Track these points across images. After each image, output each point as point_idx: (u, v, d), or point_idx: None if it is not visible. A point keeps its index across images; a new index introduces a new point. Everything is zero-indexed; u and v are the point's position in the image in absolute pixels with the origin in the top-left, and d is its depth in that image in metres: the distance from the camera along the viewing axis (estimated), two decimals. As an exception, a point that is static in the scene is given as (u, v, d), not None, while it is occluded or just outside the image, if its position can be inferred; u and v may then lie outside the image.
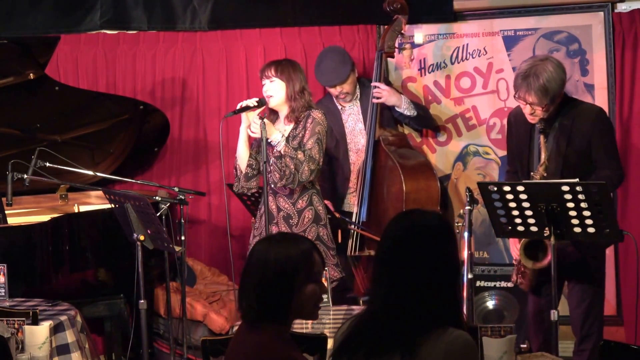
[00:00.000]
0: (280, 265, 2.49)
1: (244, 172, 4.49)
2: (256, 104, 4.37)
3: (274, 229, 4.47)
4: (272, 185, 4.46)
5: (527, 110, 4.19)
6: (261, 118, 4.34)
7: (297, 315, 2.56)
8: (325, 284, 4.05)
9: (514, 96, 4.24)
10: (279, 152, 4.36)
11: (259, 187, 4.57)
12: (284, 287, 2.48)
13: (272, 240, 2.59)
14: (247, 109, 4.38)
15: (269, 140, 4.33)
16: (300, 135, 4.40)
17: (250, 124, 4.41)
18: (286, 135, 4.40)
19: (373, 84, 5.16)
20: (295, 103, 4.41)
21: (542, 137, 4.18)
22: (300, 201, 4.46)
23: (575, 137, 4.21)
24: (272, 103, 4.42)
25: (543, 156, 4.16)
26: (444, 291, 2.30)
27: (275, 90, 4.40)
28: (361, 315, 2.41)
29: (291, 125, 4.45)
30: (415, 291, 2.28)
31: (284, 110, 4.46)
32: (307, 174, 4.38)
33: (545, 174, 4.14)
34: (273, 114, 4.50)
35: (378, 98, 5.11)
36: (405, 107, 5.18)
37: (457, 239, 2.46)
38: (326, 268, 4.14)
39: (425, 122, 5.39)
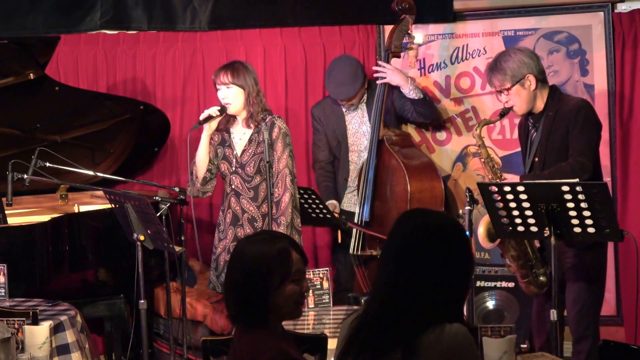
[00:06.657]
0: (254, 264, 2.44)
1: (201, 177, 4.52)
2: (218, 112, 4.44)
3: (240, 232, 4.50)
4: (233, 186, 4.51)
5: (502, 98, 4.32)
6: (263, 120, 4.41)
7: (278, 316, 2.50)
8: (327, 285, 4.08)
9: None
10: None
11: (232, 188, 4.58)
12: (259, 287, 2.43)
13: (249, 239, 2.53)
14: (210, 118, 4.44)
15: None
16: (266, 142, 4.37)
17: (212, 132, 4.48)
18: (247, 139, 4.45)
19: (378, 62, 5.17)
20: (253, 108, 4.46)
21: (535, 134, 4.26)
22: (264, 205, 4.48)
23: (557, 126, 4.27)
24: (232, 110, 4.48)
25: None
26: (452, 291, 2.28)
27: (233, 96, 4.45)
28: (362, 314, 2.36)
29: (251, 130, 4.50)
30: (422, 290, 2.25)
31: (242, 115, 4.51)
32: (292, 186, 4.44)
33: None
34: (231, 117, 4.54)
35: (382, 78, 5.11)
36: (411, 89, 5.14)
37: (469, 240, 2.40)
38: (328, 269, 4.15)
39: (431, 108, 5.32)
